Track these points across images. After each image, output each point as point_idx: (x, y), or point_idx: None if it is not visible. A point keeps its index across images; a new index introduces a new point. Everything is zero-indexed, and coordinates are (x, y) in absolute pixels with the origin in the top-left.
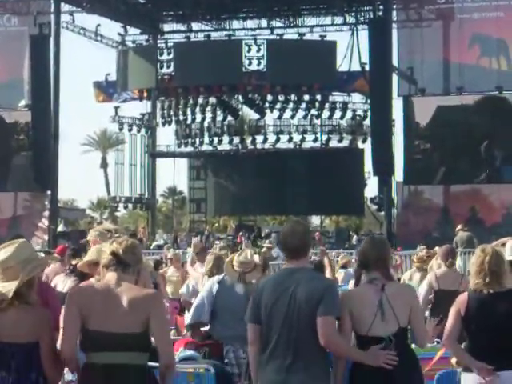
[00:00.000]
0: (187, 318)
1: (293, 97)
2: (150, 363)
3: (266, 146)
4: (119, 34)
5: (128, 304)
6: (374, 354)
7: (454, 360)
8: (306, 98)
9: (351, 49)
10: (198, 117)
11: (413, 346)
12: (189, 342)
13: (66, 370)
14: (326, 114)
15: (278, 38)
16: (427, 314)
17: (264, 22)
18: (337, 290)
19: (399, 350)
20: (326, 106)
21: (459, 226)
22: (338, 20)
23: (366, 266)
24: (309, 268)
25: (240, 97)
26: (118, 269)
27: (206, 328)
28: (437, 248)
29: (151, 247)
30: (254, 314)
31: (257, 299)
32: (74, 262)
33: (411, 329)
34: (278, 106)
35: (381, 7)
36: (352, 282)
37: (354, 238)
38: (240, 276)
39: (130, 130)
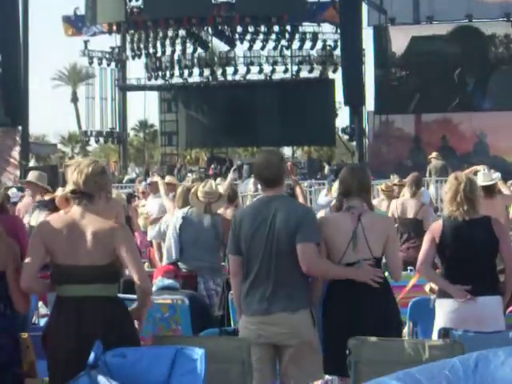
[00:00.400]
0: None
1: (262, 28)
2: (124, 295)
3: (237, 77)
4: None
5: (92, 236)
6: (364, 268)
7: (427, 287)
8: (276, 28)
9: None
10: (168, 49)
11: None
12: (167, 271)
13: (41, 303)
14: (296, 44)
15: None
16: None
17: None
18: (315, 216)
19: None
20: (296, 36)
21: (433, 154)
22: None
23: (347, 194)
24: (285, 196)
25: (210, 29)
26: (82, 201)
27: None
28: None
29: (123, 181)
30: (235, 245)
31: (236, 231)
32: (46, 197)
33: (386, 260)
34: (248, 37)
35: None
36: (323, 212)
37: (326, 168)
38: (206, 207)
39: (99, 64)
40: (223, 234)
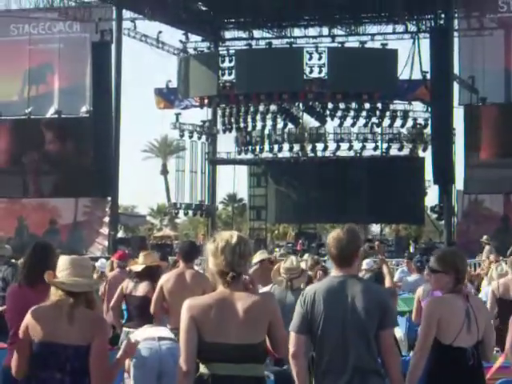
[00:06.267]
0: None
1: (353, 105)
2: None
3: (327, 153)
4: (180, 41)
5: (245, 313)
6: None
7: None
8: (367, 106)
9: (412, 57)
10: (259, 124)
11: None
12: None
13: (126, 375)
14: (386, 122)
15: (340, 45)
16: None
17: (325, 30)
18: (392, 300)
19: (478, 362)
20: (387, 114)
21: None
22: (400, 28)
23: (460, 279)
24: (359, 277)
25: (301, 104)
26: (232, 283)
27: None
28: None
29: None
30: (304, 323)
31: (308, 308)
32: (133, 267)
33: (482, 342)
34: (339, 113)
35: (442, 16)
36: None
37: (411, 246)
38: (287, 283)
39: (190, 137)
40: None
